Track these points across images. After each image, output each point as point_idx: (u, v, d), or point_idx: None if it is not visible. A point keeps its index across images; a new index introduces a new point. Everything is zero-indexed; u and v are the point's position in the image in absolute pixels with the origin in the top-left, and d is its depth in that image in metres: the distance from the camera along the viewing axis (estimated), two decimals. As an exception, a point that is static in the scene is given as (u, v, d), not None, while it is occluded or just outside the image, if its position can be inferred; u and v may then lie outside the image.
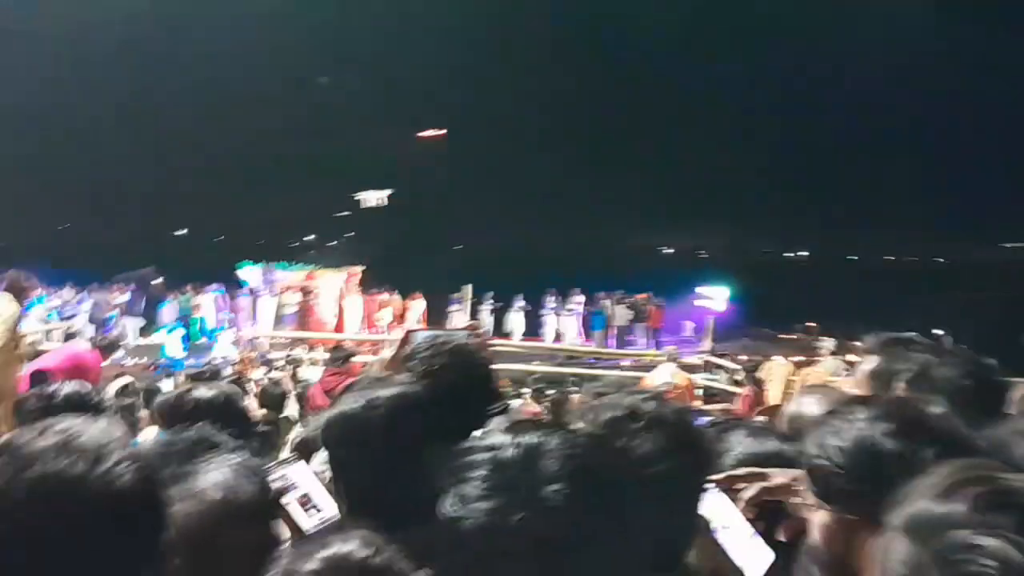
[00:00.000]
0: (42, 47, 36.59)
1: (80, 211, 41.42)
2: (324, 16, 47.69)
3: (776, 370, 10.49)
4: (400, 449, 1.48)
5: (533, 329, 20.99)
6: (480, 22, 52.29)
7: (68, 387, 2.58)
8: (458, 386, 1.79)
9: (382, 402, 1.50)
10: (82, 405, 2.43)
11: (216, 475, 1.52)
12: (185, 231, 52.16)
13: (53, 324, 17.47)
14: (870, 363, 2.38)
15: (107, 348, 7.02)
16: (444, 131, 54.33)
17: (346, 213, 47.39)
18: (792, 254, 59.46)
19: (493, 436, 1.02)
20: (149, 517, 1.02)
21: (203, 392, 2.43)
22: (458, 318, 18.98)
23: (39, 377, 4.60)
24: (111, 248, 30.92)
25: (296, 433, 6.19)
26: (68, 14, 38.01)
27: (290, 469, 1.87)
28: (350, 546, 1.16)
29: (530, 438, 0.98)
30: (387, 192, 23.73)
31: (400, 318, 19.81)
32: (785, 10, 47.45)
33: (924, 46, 45.25)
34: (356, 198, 24.23)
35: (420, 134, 54.10)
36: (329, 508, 1.80)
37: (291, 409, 8.08)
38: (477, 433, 2.29)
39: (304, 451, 3.48)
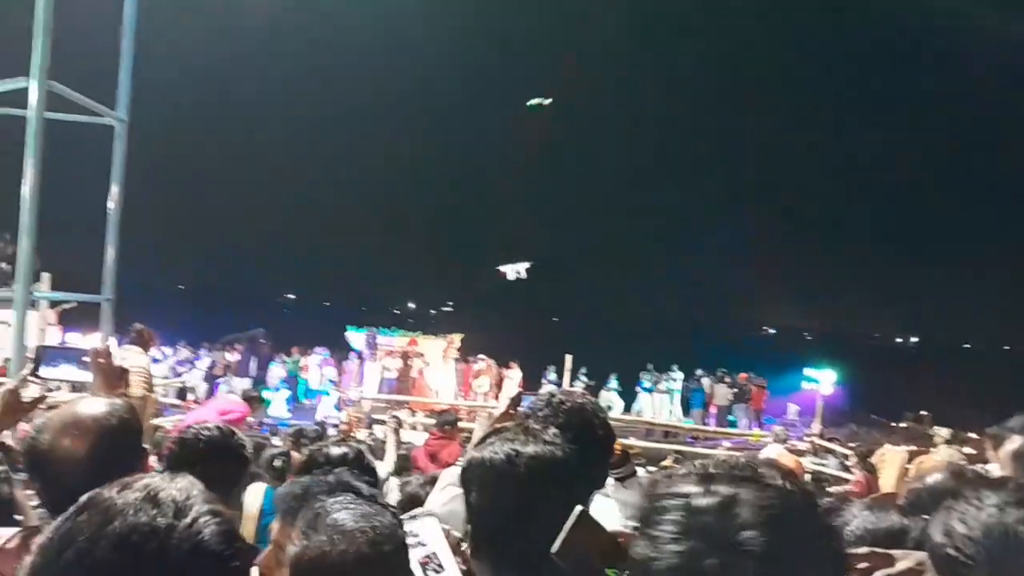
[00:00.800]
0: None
1: (194, 272, 43.53)
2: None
3: (890, 457, 9.97)
4: (535, 501, 1.53)
5: (629, 405, 20.65)
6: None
7: (208, 431, 2.53)
8: (577, 444, 1.79)
9: (525, 458, 1.55)
10: (225, 448, 2.48)
11: (351, 520, 1.57)
12: (294, 296, 54.20)
13: (169, 380, 18.26)
14: (1014, 443, 2.29)
15: (255, 400, 7.11)
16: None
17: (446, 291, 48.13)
18: (902, 339, 57.20)
19: (682, 485, 0.99)
20: (230, 572, 1.01)
21: (334, 449, 2.53)
22: (551, 389, 18.80)
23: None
24: (223, 308, 32.19)
25: (389, 488, 6.25)
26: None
27: (420, 525, 1.82)
28: None
29: (723, 487, 0.97)
30: (526, 264, 23.65)
31: (498, 386, 19.92)
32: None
33: None
34: (499, 269, 24.28)
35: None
36: (451, 571, 1.74)
37: (383, 467, 8.21)
38: (607, 489, 2.28)
39: (410, 504, 3.56)
